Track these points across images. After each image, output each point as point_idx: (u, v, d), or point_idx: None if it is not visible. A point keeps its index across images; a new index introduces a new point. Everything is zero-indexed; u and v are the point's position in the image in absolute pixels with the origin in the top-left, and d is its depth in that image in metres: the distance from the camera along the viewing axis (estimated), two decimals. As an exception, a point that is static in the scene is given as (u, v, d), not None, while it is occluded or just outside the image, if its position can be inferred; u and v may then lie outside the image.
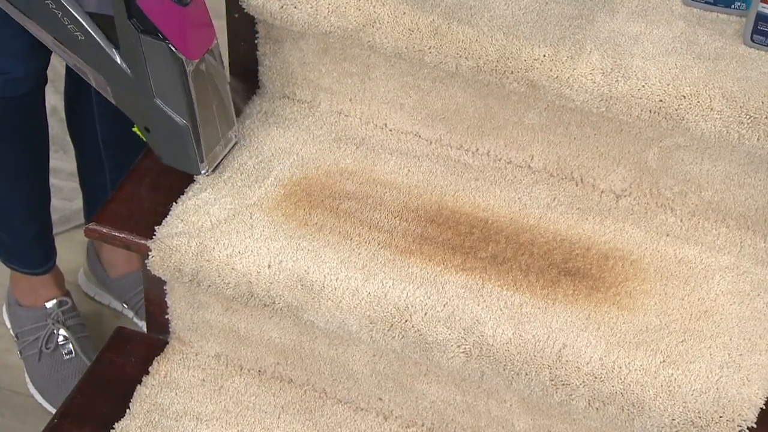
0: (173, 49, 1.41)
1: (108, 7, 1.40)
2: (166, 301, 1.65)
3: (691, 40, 1.49)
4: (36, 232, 1.99)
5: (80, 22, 1.42)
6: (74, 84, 1.95)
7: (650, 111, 1.45)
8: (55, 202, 2.03)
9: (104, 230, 1.56)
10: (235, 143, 1.59)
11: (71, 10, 1.41)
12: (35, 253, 2.02)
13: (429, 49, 1.51)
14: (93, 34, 1.43)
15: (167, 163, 1.57)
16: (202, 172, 1.55)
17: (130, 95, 1.49)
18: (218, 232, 1.51)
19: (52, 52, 1.76)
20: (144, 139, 1.54)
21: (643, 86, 1.44)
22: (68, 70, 1.95)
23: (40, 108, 1.84)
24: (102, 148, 2.00)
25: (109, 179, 2.03)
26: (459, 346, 1.43)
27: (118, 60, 1.45)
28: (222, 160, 1.58)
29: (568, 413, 1.47)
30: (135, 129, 1.54)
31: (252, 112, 1.67)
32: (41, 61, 1.75)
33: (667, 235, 1.53)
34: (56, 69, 2.05)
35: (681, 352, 1.40)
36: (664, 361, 1.40)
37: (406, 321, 1.44)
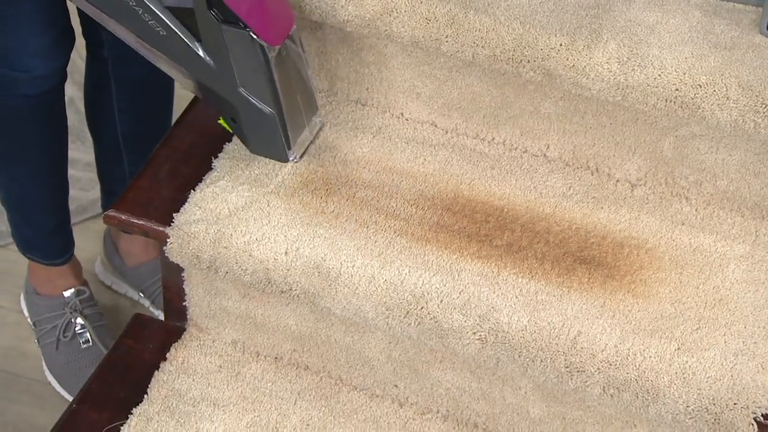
0: (255, 36, 1.41)
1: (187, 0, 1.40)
2: (183, 288, 1.66)
3: (708, 30, 1.49)
4: (55, 224, 2.01)
5: (161, 17, 1.42)
6: (94, 78, 1.96)
7: (666, 100, 1.46)
8: (72, 192, 2.05)
9: (123, 217, 1.58)
10: (321, 128, 1.59)
11: (151, 6, 1.40)
12: (54, 245, 2.04)
13: (446, 38, 1.52)
14: (174, 28, 1.43)
15: (254, 152, 1.56)
16: (291, 158, 1.55)
17: (214, 87, 1.49)
18: (236, 220, 1.52)
19: (72, 49, 1.78)
20: (230, 130, 1.54)
21: (660, 75, 1.45)
22: (88, 64, 1.96)
23: (60, 104, 1.86)
24: (121, 141, 2.02)
25: (128, 172, 2.04)
26: (474, 333, 1.44)
27: (201, 53, 1.44)
28: (309, 145, 1.57)
29: (583, 400, 1.48)
30: (220, 121, 1.54)
31: (269, 101, 1.68)
32: (62, 59, 1.76)
33: (683, 224, 1.54)
34: (74, 61, 2.06)
35: (696, 340, 1.41)
36: (678, 348, 1.40)
37: (422, 308, 1.45)
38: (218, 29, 1.41)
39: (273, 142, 1.52)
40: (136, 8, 1.40)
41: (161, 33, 1.43)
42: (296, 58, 1.50)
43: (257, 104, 1.47)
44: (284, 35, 1.45)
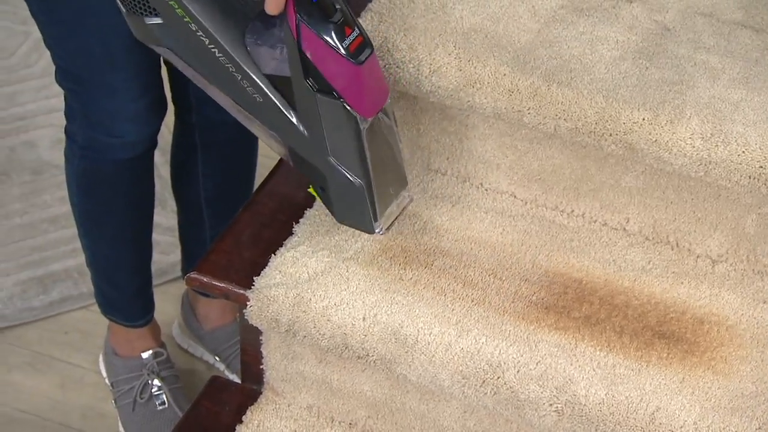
0: (348, 107, 1.41)
1: (285, 68, 1.41)
2: (261, 352, 1.67)
3: (793, 108, 1.49)
4: (138, 286, 2.04)
5: (258, 84, 1.43)
6: (181, 142, 2.01)
7: (750, 177, 1.45)
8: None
9: (205, 279, 1.60)
10: (410, 202, 1.58)
11: (250, 73, 1.42)
12: (135, 307, 2.07)
13: (528, 110, 1.53)
14: (270, 95, 1.44)
15: (340, 222, 1.56)
16: (377, 231, 1.53)
17: (305, 155, 1.49)
18: (315, 284, 1.54)
19: (164, 116, 1.82)
20: (319, 199, 1.55)
21: (743, 152, 1.45)
22: (176, 128, 2.00)
23: (149, 169, 1.90)
24: (204, 205, 2.05)
25: (209, 236, 2.07)
26: (551, 405, 1.43)
27: (295, 120, 1.45)
28: (395, 220, 1.56)
29: (660, 477, 1.46)
30: (310, 189, 1.55)
31: (351, 169, 1.70)
32: (154, 125, 1.81)
33: (764, 302, 1.52)
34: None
35: (777, 420, 1.39)
36: (760, 428, 1.38)
37: (498, 378, 1.45)
38: (312, 98, 1.42)
39: (360, 213, 1.52)
40: (236, 74, 1.42)
41: (258, 99, 1.44)
42: (388, 132, 1.49)
43: (346, 174, 1.47)
44: (377, 108, 1.45)
